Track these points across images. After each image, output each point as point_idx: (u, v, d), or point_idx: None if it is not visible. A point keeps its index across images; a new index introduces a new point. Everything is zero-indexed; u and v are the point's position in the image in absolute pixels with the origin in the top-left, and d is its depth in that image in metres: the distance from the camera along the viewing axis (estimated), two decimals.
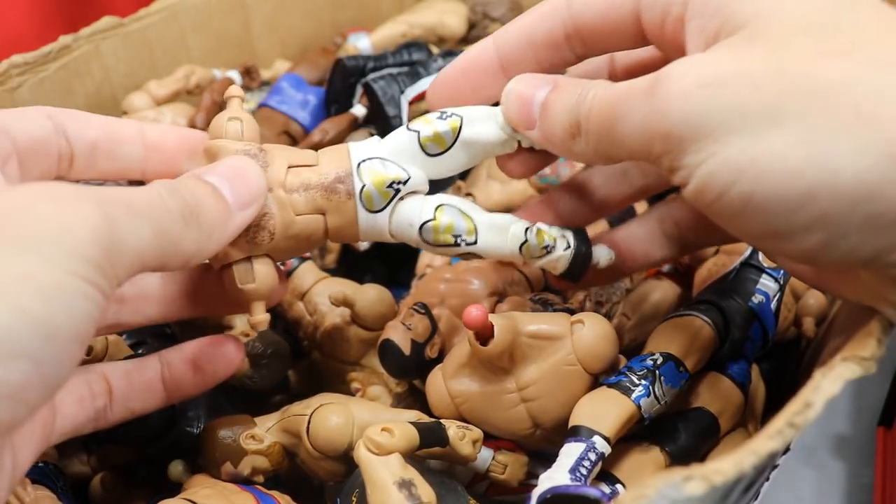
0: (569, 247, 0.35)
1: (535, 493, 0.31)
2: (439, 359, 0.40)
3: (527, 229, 0.34)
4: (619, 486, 0.35)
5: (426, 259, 0.50)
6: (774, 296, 0.41)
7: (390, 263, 0.57)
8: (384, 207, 0.34)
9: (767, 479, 0.37)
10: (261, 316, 0.32)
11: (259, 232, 0.31)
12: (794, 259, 0.26)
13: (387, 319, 0.43)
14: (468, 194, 0.53)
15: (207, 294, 0.33)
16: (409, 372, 0.40)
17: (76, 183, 0.25)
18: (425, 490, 0.32)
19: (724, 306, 0.39)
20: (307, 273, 0.47)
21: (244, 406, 0.43)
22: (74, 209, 0.23)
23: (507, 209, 0.53)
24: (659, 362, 0.36)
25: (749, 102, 0.24)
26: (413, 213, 0.34)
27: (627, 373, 0.36)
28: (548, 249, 0.35)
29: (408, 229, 0.34)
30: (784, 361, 0.48)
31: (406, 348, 0.40)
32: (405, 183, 0.34)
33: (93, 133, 0.31)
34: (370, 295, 0.44)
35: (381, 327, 0.42)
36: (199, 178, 0.28)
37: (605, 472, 0.35)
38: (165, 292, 0.33)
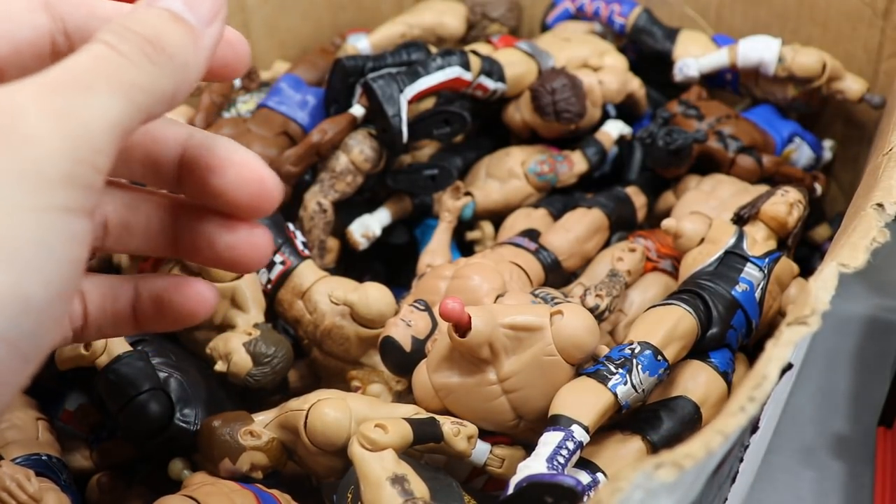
0: None
1: (513, 482, 0.31)
2: None
3: None
4: (599, 474, 0.35)
5: (426, 259, 0.50)
6: (759, 285, 0.41)
7: (390, 264, 0.57)
8: None
9: (741, 459, 0.37)
10: None
11: None
12: None
13: (387, 318, 0.43)
14: (467, 193, 0.52)
15: (187, 239, 0.31)
16: (410, 369, 0.40)
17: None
18: (418, 485, 0.32)
19: (707, 295, 0.39)
20: (307, 272, 0.47)
21: (242, 405, 0.43)
22: (20, 123, 0.19)
23: (506, 208, 0.53)
24: (637, 351, 0.36)
25: None
26: None
27: (606, 362, 0.36)
28: None
29: None
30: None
31: (407, 345, 0.40)
32: None
33: (97, 25, 0.26)
34: (371, 293, 0.44)
35: (382, 325, 0.42)
36: (150, 6, 0.24)
37: (587, 461, 0.36)
38: (148, 226, 0.31)
